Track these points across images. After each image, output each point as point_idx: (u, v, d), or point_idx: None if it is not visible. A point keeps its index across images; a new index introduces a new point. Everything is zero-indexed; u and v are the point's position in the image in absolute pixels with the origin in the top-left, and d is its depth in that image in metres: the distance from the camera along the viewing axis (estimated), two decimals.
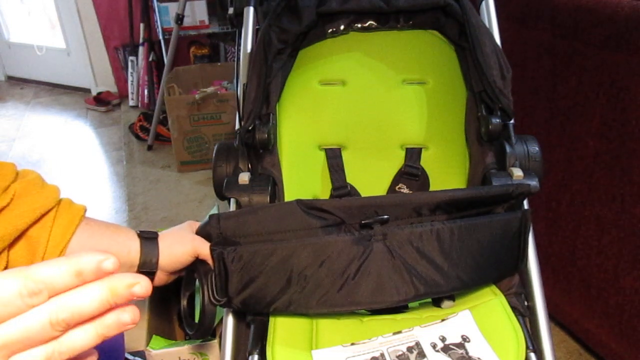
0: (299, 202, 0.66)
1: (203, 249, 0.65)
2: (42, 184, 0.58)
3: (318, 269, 0.61)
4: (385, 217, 0.65)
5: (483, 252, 0.65)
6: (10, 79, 3.23)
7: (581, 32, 0.99)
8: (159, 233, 0.66)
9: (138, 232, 0.64)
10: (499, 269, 0.69)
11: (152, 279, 0.65)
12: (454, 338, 0.61)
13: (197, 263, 0.67)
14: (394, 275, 0.62)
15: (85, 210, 0.60)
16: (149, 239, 0.64)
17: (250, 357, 0.64)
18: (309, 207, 0.66)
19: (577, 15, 0.98)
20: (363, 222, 0.65)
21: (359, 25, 0.92)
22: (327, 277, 0.61)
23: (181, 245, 0.65)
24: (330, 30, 0.91)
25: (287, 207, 0.66)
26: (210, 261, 0.65)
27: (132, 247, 0.62)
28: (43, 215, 0.55)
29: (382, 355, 0.59)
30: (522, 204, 0.73)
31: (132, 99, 2.70)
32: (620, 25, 0.90)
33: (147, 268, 0.63)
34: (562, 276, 1.16)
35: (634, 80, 0.90)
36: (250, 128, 0.78)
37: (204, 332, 0.68)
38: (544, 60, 1.09)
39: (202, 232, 0.68)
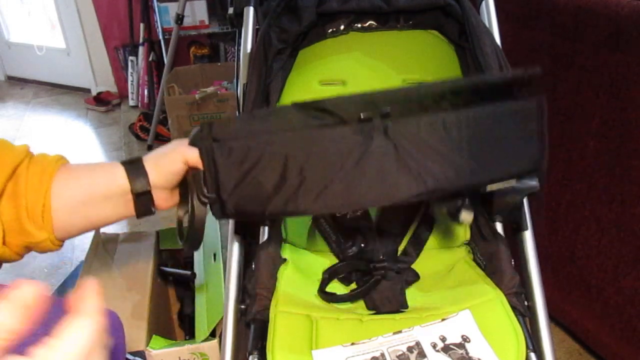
0: (295, 104, 0.61)
1: (192, 154, 0.61)
2: (12, 146, 0.57)
3: (314, 161, 0.57)
4: (387, 110, 0.59)
5: (496, 143, 0.60)
6: (10, 79, 3.23)
7: (581, 32, 0.99)
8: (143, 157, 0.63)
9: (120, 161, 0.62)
10: (517, 163, 0.64)
11: (153, 202, 0.62)
12: (454, 338, 0.61)
13: (188, 171, 0.63)
14: (399, 169, 0.56)
15: (64, 158, 0.59)
16: (132, 162, 0.61)
17: (250, 357, 0.64)
18: (305, 107, 0.61)
19: (577, 15, 0.98)
20: (363, 115, 0.59)
21: (359, 25, 0.92)
22: (324, 170, 0.56)
23: (167, 155, 0.62)
24: (330, 30, 0.92)
25: (283, 109, 0.63)
26: (200, 166, 0.61)
27: (118, 174, 0.60)
28: (15, 171, 0.55)
29: (382, 355, 0.59)
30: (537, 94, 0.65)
31: (132, 99, 2.70)
32: (620, 25, 0.90)
33: (140, 189, 0.60)
34: (562, 276, 1.16)
35: (634, 80, 0.90)
36: None
37: (195, 239, 0.64)
38: (544, 60, 1.09)
39: (193, 141, 0.63)
